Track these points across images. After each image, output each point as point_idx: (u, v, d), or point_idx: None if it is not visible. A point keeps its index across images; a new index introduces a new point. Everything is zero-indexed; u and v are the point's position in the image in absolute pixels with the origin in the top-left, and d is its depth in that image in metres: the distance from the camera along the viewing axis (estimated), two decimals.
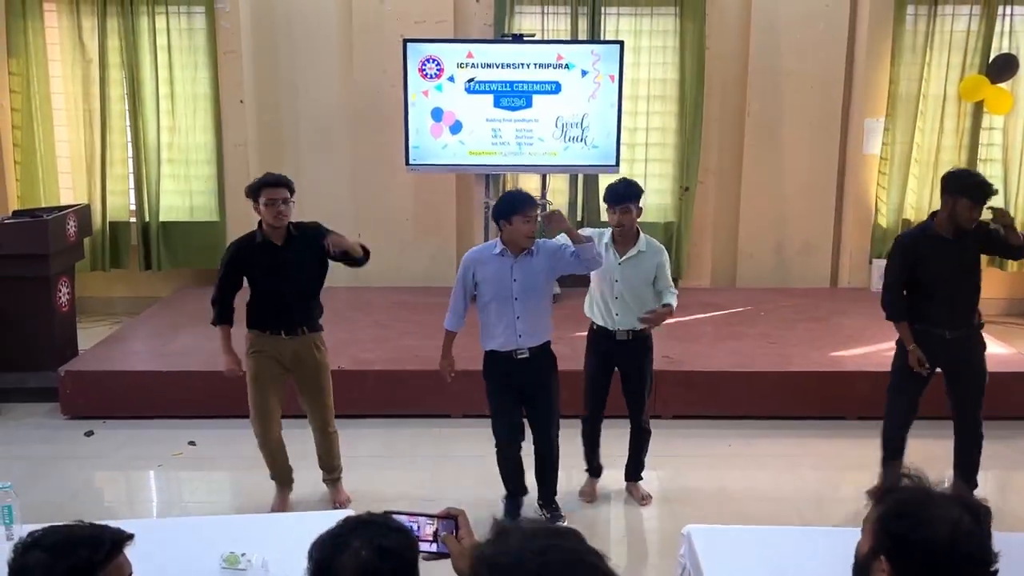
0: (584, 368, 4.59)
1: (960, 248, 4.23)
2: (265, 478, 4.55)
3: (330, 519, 1.86)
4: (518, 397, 4.26)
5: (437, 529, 1.83)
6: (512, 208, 4.08)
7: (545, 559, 1.43)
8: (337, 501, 4.55)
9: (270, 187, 4.21)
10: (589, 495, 4.68)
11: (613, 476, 4.83)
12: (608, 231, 4.42)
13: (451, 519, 1.85)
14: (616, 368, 4.55)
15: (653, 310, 4.35)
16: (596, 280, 4.44)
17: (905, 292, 4.36)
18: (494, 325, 4.17)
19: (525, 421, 4.31)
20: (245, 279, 4.33)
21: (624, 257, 4.37)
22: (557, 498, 4.43)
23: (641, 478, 4.69)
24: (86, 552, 1.81)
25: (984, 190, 4.11)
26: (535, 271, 4.15)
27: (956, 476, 4.40)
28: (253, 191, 4.24)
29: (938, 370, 4.40)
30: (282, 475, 4.50)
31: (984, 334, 4.42)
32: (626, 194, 4.31)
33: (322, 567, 1.69)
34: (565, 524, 4.23)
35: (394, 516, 1.77)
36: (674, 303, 4.38)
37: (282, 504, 4.49)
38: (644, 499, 4.65)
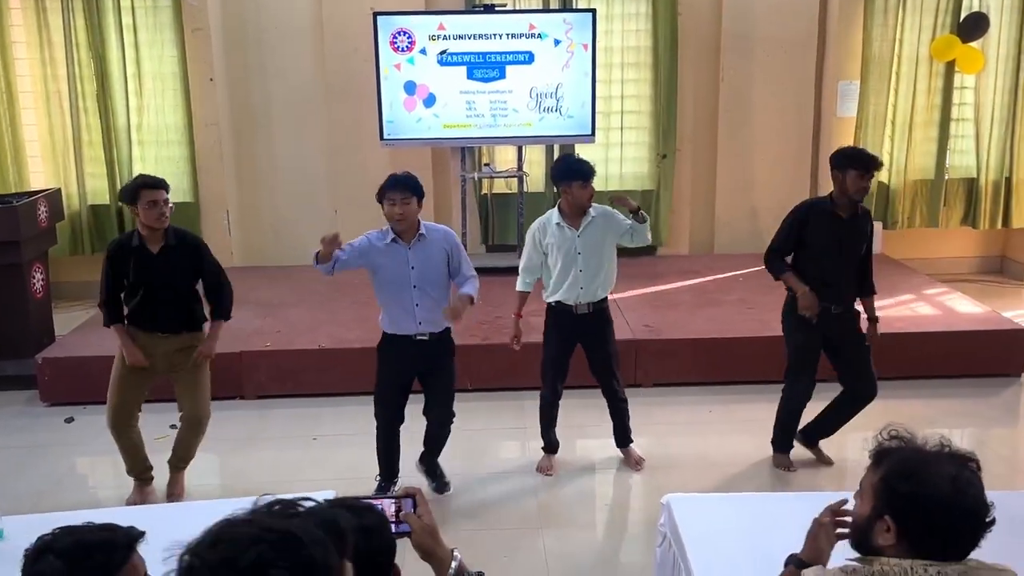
0: (544, 348, 4.61)
1: (851, 228, 4.36)
2: (252, 461, 4.57)
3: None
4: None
5: (399, 508, 1.84)
6: (382, 191, 4.09)
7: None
8: (173, 493, 4.46)
9: (149, 188, 4.09)
10: (548, 468, 4.69)
11: (592, 445, 4.88)
12: (553, 211, 4.45)
13: (409, 497, 1.87)
14: (579, 344, 4.57)
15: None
16: (557, 260, 4.44)
17: (794, 264, 4.49)
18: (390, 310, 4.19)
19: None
20: None
21: (581, 228, 4.39)
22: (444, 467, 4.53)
23: (631, 441, 4.73)
24: (102, 557, 1.75)
25: (867, 160, 4.26)
26: (431, 256, 4.12)
27: (814, 431, 4.63)
28: (130, 193, 4.13)
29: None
30: (137, 467, 4.45)
31: (948, 293, 4.44)
32: (588, 172, 4.34)
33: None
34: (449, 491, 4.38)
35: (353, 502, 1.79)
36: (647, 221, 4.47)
37: (141, 498, 4.41)
38: (638, 463, 4.69)
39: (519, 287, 4.59)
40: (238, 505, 1.35)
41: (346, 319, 6.24)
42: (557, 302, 4.49)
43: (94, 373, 5.60)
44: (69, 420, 5.41)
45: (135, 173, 7.58)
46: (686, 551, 2.70)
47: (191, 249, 4.27)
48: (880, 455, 1.93)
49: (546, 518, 4.29)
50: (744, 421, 5.25)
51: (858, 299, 4.55)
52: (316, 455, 4.97)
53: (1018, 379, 5.82)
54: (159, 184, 4.15)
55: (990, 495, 1.88)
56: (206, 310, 4.42)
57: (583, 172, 4.34)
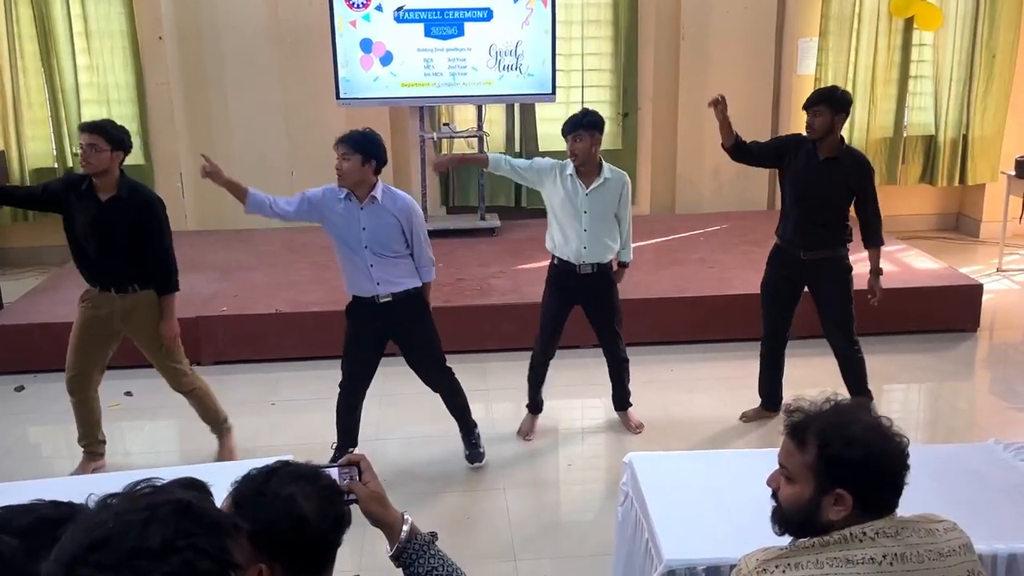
0: (543, 305, 4.54)
1: (825, 168, 4.27)
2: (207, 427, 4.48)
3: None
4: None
5: (350, 476, 1.80)
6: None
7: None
8: (223, 458, 4.34)
9: (82, 130, 3.95)
10: (528, 431, 4.67)
11: (558, 406, 4.87)
12: (569, 162, 4.33)
13: (352, 465, 1.82)
14: (579, 305, 4.51)
15: (616, 274, 4.44)
16: (560, 214, 4.34)
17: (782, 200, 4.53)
18: (347, 270, 4.11)
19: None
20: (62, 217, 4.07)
21: (591, 188, 4.30)
22: (481, 432, 4.44)
23: (630, 404, 4.70)
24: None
25: (807, 99, 4.30)
26: (384, 223, 3.97)
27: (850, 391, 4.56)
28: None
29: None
30: (88, 437, 4.34)
31: (905, 250, 4.42)
32: (580, 122, 4.21)
33: (287, 524, 1.61)
34: (482, 462, 4.30)
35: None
36: (631, 255, 4.47)
37: (82, 472, 4.31)
38: (637, 427, 4.67)
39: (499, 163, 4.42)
40: (195, 471, 1.28)
41: (304, 283, 6.14)
42: (560, 260, 4.41)
43: (44, 341, 5.47)
44: (19, 389, 5.28)
45: None
46: (647, 509, 2.69)
47: (142, 204, 4.03)
48: (796, 431, 1.85)
49: (509, 479, 4.28)
50: (706, 380, 5.27)
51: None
52: (274, 420, 4.91)
53: (974, 334, 5.91)
54: (86, 126, 3.95)
55: (948, 448, 1.88)
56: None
57: (570, 124, 4.22)
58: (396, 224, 3.97)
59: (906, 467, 1.80)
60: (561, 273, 4.42)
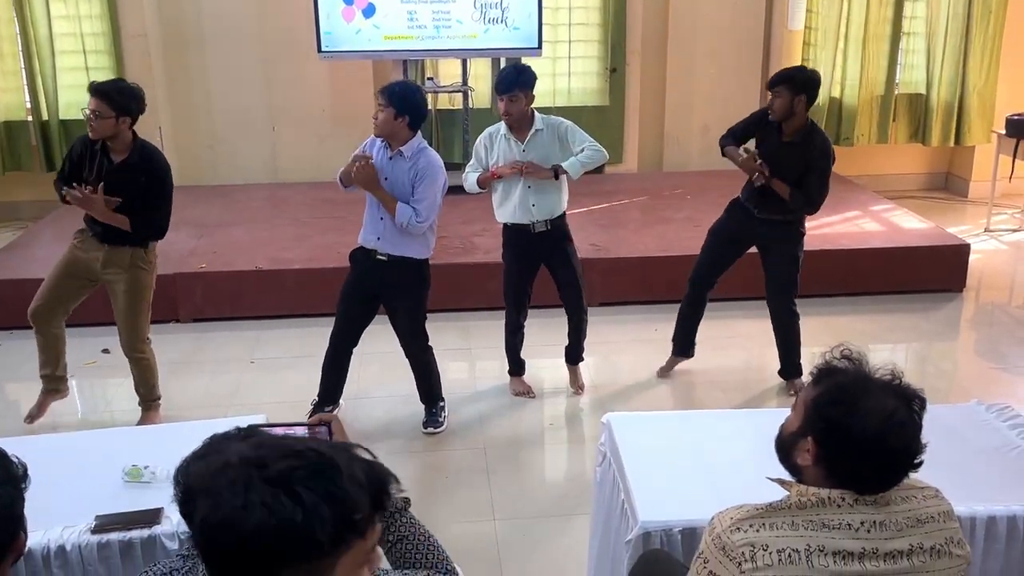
0: (504, 273, 4.48)
1: (784, 150, 4.21)
2: (188, 385, 4.43)
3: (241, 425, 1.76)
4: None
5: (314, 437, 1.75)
6: None
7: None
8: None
9: (90, 94, 3.84)
10: (525, 390, 4.63)
11: (539, 365, 4.82)
12: (501, 124, 4.25)
13: (324, 425, 1.77)
14: (542, 264, 4.45)
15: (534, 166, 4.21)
16: (502, 180, 4.27)
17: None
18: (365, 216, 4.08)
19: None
20: None
21: (526, 142, 4.21)
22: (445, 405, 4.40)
23: (582, 359, 4.65)
24: None
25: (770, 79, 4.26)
26: (402, 177, 3.94)
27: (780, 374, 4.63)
28: None
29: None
30: (49, 369, 4.28)
31: (893, 210, 4.31)
32: (516, 81, 4.11)
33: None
34: (442, 428, 4.27)
35: (265, 429, 1.67)
36: (578, 167, 4.23)
37: (39, 412, 4.30)
38: (580, 388, 4.62)
39: (468, 183, 4.37)
40: (168, 431, 1.25)
41: (285, 239, 6.05)
42: (511, 224, 4.33)
43: (19, 297, 5.35)
44: None
45: (59, 87, 7.24)
46: (624, 469, 2.65)
47: (152, 173, 3.95)
48: (822, 374, 1.84)
49: (489, 438, 4.25)
50: None
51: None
52: (253, 378, 4.85)
53: (960, 294, 5.88)
54: (92, 89, 3.85)
55: (930, 408, 1.83)
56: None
57: (506, 83, 4.11)
58: (409, 178, 3.93)
59: (894, 464, 1.74)
60: (516, 235, 4.35)
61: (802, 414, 1.82)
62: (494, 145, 4.28)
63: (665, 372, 4.78)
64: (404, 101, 3.86)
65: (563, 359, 4.68)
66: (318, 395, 4.26)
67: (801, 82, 4.09)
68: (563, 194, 4.33)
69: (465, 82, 7.14)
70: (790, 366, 4.56)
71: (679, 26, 7.60)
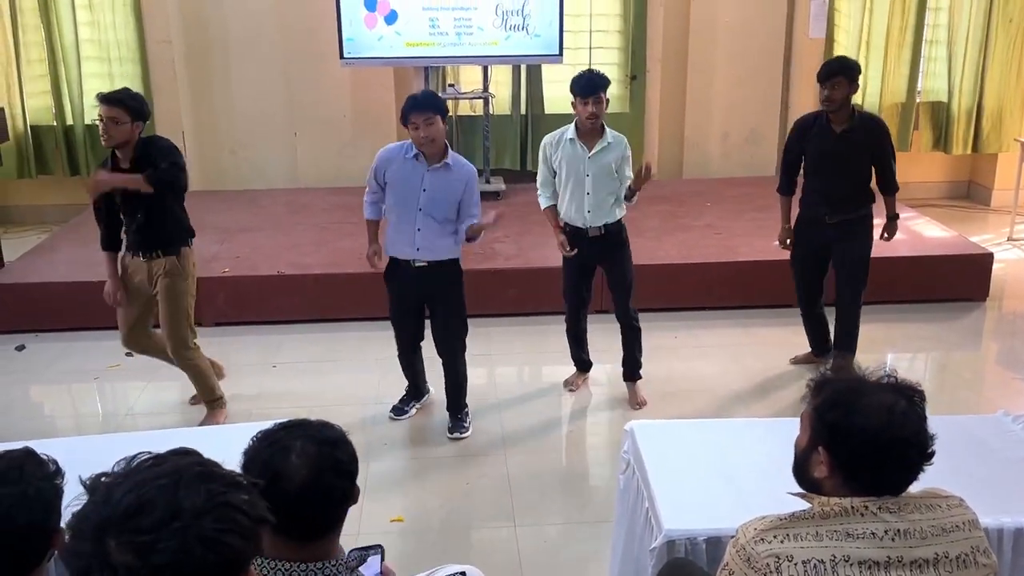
0: (563, 270, 4.49)
1: (841, 142, 4.33)
2: None
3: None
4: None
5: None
6: (404, 115, 3.91)
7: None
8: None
9: (102, 103, 3.87)
10: (573, 383, 4.72)
11: (561, 372, 4.83)
12: (570, 127, 4.27)
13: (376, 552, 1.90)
14: (597, 266, 4.48)
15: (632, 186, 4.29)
16: (564, 177, 4.28)
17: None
18: (392, 230, 4.07)
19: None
20: None
21: (593, 151, 4.23)
22: (469, 412, 4.43)
23: (640, 376, 4.62)
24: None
25: (822, 70, 4.30)
26: (448, 187, 3.97)
27: (835, 349, 4.73)
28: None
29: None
30: (204, 393, 4.39)
31: (916, 218, 4.41)
32: (599, 83, 4.15)
33: (271, 480, 1.63)
34: (467, 434, 4.31)
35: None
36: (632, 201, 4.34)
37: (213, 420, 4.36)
38: (639, 403, 4.57)
39: (543, 204, 4.39)
40: (192, 435, 1.28)
41: (307, 244, 6.09)
42: (568, 224, 4.35)
43: (45, 299, 5.45)
44: (20, 348, 5.26)
45: (85, 92, 7.32)
46: (648, 477, 2.65)
47: (158, 148, 3.98)
48: (819, 385, 1.87)
49: (511, 444, 4.25)
50: (710, 347, 5.22)
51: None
52: (275, 383, 4.88)
53: (983, 303, 5.84)
54: (105, 98, 3.88)
55: (954, 419, 1.84)
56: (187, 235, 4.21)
57: (590, 86, 4.13)
58: (460, 189, 3.99)
59: (905, 456, 1.75)
60: (572, 238, 4.36)
61: (808, 427, 1.84)
62: (559, 147, 4.28)
63: (799, 361, 4.93)
64: (442, 106, 3.96)
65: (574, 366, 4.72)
66: (407, 391, 4.43)
67: (856, 71, 4.28)
68: (621, 204, 4.35)
69: (486, 88, 7.16)
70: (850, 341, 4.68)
71: (699, 33, 7.60)
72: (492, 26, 6.81)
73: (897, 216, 4.65)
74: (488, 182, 7.30)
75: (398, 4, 6.74)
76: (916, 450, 1.76)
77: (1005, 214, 7.38)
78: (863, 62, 7.64)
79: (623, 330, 4.56)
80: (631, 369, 4.60)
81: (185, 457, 1.25)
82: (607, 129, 4.29)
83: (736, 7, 7.52)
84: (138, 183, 3.89)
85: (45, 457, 1.76)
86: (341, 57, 6.82)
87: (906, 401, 1.77)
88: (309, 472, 1.67)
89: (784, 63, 7.73)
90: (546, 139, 4.36)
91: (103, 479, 1.23)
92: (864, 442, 1.74)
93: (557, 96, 7.60)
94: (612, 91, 7.61)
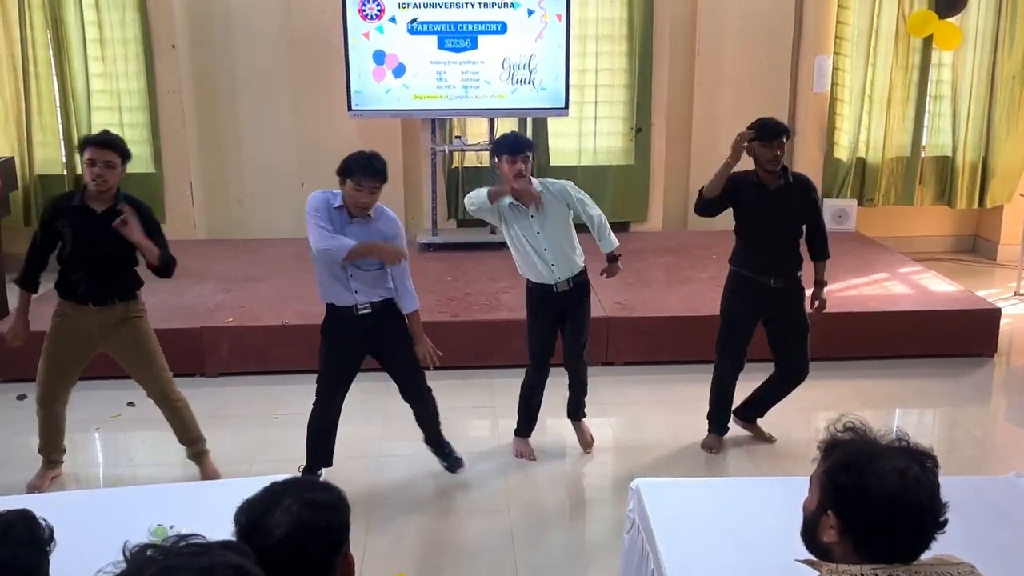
0: (529, 331, 4.43)
1: (780, 198, 4.24)
2: (212, 440, 4.41)
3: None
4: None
5: None
6: (348, 170, 3.86)
7: None
8: (205, 478, 4.23)
9: (94, 147, 3.81)
10: (529, 453, 4.57)
11: (564, 425, 4.78)
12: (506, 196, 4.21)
13: None
14: (561, 319, 4.43)
15: (609, 268, 4.33)
16: (518, 240, 4.24)
17: (737, 235, 4.41)
18: (324, 279, 3.98)
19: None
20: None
21: (532, 208, 4.20)
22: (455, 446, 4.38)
23: (584, 414, 4.60)
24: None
25: (768, 128, 4.22)
26: (371, 238, 3.90)
27: (749, 409, 4.58)
28: (79, 147, 3.90)
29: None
30: (49, 448, 4.28)
31: (922, 272, 4.26)
32: (527, 145, 4.18)
33: (251, 529, 1.65)
34: (464, 466, 4.28)
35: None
36: (615, 241, 4.33)
37: (40, 481, 4.23)
38: (589, 444, 4.56)
39: (476, 198, 4.20)
40: (194, 490, 1.27)
41: (312, 294, 5.98)
42: (535, 283, 4.33)
43: None
44: (21, 397, 5.23)
45: None
46: (655, 538, 2.61)
47: (143, 213, 3.93)
48: (829, 447, 1.83)
49: (514, 498, 4.20)
50: None
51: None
52: (277, 435, 4.84)
53: (991, 359, 5.80)
54: (106, 143, 3.83)
55: (965, 480, 1.80)
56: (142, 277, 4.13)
57: (517, 146, 4.11)
58: (386, 239, 3.93)
59: (918, 523, 1.71)
60: (540, 295, 4.33)
61: (818, 490, 1.80)
62: (502, 214, 4.23)
63: (770, 439, 4.70)
64: (386, 174, 3.92)
65: (587, 418, 4.64)
66: (307, 461, 4.17)
67: (769, 129, 4.23)
68: (577, 250, 4.33)
69: (492, 140, 7.21)
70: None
71: (704, 87, 7.67)
72: (499, 80, 6.89)
73: (826, 283, 4.46)
74: (493, 232, 7.32)
75: (406, 57, 6.83)
76: (929, 517, 1.72)
77: (1011, 268, 7.37)
78: (866, 116, 7.72)
79: (573, 379, 4.51)
80: (578, 408, 4.60)
81: (226, 555, 1.23)
82: (534, 180, 4.21)
83: (740, 61, 7.60)
84: (152, 254, 3.86)
85: (43, 521, 1.73)
86: (349, 109, 6.89)
87: (919, 466, 1.74)
88: (285, 530, 1.66)
89: (790, 117, 7.78)
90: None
91: (148, 552, 1.23)
92: (876, 508, 1.70)
93: (562, 148, 7.66)
94: (617, 143, 7.78)
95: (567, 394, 4.61)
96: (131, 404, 5.05)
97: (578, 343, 4.44)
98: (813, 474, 1.85)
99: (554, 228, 4.23)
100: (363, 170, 3.80)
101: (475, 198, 4.21)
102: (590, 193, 4.43)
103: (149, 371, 4.12)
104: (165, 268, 3.94)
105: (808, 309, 4.44)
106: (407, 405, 4.31)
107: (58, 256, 4.00)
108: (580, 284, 4.35)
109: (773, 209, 4.25)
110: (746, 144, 4.16)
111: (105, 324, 4.00)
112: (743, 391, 4.62)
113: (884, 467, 1.72)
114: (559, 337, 4.45)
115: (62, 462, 4.34)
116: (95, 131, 7.31)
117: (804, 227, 4.37)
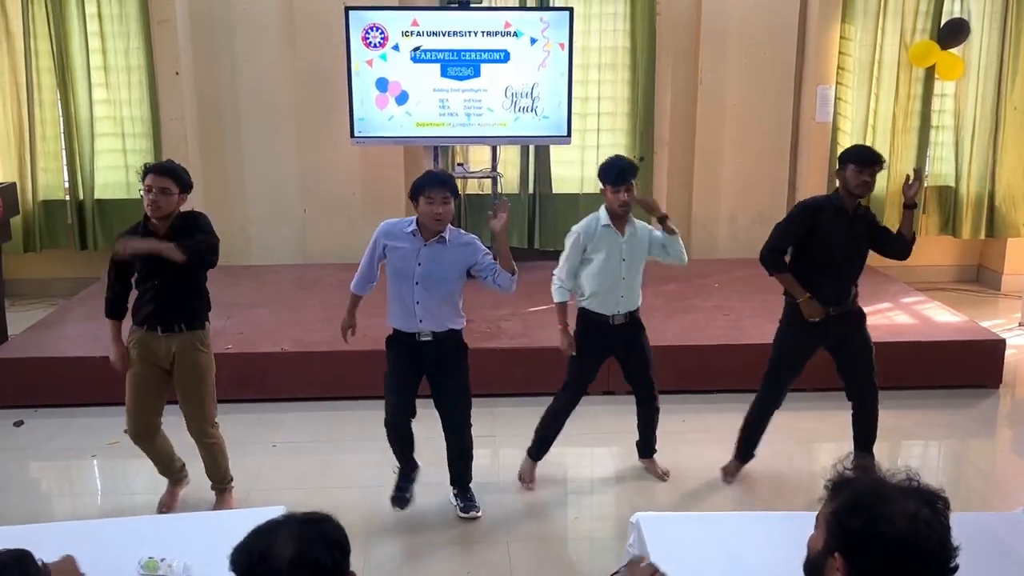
0: (575, 356, 4.37)
1: (854, 224, 4.30)
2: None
3: (259, 517, 1.78)
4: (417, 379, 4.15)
5: None
6: (419, 187, 3.91)
7: None
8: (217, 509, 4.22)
9: (154, 174, 3.86)
10: (530, 479, 4.53)
11: (566, 454, 4.73)
12: (601, 214, 4.28)
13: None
14: (612, 356, 4.43)
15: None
16: (601, 264, 4.26)
17: (791, 263, 4.33)
18: (393, 303, 4.04)
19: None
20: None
21: (627, 235, 4.27)
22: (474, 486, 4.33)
23: (655, 451, 4.62)
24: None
25: (865, 154, 4.26)
26: (444, 262, 3.97)
27: (855, 448, 4.46)
28: (142, 174, 3.93)
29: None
30: (167, 472, 4.31)
31: (926, 302, 4.26)
32: (632, 171, 4.22)
33: (258, 560, 1.66)
34: (479, 514, 4.21)
35: None
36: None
37: (170, 499, 4.29)
38: (665, 473, 4.59)
39: (558, 298, 4.33)
40: (186, 521, 1.24)
41: (312, 321, 6.06)
42: (592, 312, 4.31)
43: (46, 374, 5.41)
44: (19, 423, 5.20)
45: (97, 168, 7.41)
46: None
47: (196, 223, 3.95)
48: (837, 486, 1.78)
49: (514, 529, 4.14)
50: (718, 432, 5.10)
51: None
52: (275, 462, 4.80)
53: (996, 391, 5.75)
54: (158, 169, 3.90)
55: (972, 516, 1.75)
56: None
57: (622, 174, 4.18)
58: (460, 263, 4.00)
59: (928, 569, 1.65)
60: (594, 324, 4.32)
61: (824, 530, 1.74)
62: (594, 234, 4.27)
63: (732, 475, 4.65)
64: (456, 187, 4.01)
65: (590, 449, 4.62)
66: (399, 464, 4.25)
67: (867, 156, 4.28)
68: (640, 290, 4.40)
69: (495, 168, 7.22)
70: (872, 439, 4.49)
71: (707, 117, 7.68)
72: (501, 107, 6.91)
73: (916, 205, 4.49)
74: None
75: (409, 85, 6.85)
76: (939, 562, 1.67)
77: (1016, 299, 7.33)
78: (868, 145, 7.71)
79: (645, 411, 4.53)
80: (649, 446, 4.61)
81: None
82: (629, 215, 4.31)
83: (743, 91, 7.62)
84: (172, 252, 3.81)
85: (40, 562, 1.71)
86: (352, 136, 6.90)
87: (930, 509, 1.67)
88: (294, 549, 1.66)
89: (792, 147, 7.79)
90: (579, 228, 4.31)
91: None
92: (885, 552, 1.64)
93: (565, 175, 7.66)
94: None
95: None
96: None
97: (645, 379, 4.45)
98: (820, 513, 1.80)
99: (635, 261, 4.30)
100: (430, 182, 3.91)
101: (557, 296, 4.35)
102: None
103: (197, 409, 4.14)
104: (197, 255, 3.87)
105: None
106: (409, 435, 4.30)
107: (120, 282, 4.07)
108: (636, 319, 4.38)
109: (851, 232, 4.30)
110: None
111: (169, 351, 4.03)
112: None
113: (894, 511, 1.66)
114: (623, 373, 4.48)
115: (186, 475, 4.36)
116: (97, 157, 7.41)
117: (866, 255, 4.42)
